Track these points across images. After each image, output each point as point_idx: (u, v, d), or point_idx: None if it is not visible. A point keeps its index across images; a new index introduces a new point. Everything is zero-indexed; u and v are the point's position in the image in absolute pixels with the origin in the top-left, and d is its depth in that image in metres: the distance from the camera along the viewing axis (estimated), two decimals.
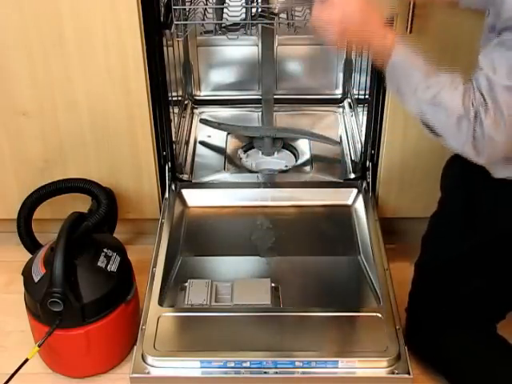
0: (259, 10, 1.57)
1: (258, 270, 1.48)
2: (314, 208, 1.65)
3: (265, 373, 1.22)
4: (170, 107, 1.63)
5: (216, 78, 2.04)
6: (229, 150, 1.84)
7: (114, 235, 1.57)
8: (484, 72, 1.03)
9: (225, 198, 1.66)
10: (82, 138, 1.54)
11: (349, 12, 1.11)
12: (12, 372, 1.25)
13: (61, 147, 1.55)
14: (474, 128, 1.03)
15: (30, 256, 1.42)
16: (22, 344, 1.41)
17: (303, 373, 1.22)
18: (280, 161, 1.81)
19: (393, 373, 1.21)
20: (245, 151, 1.84)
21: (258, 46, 1.94)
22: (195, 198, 1.66)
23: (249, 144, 1.86)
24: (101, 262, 1.33)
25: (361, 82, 1.83)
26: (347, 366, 1.22)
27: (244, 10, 1.58)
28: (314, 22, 1.15)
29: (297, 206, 1.65)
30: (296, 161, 1.81)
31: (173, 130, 1.63)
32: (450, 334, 1.32)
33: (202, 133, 1.91)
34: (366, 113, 1.63)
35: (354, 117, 1.90)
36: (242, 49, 1.98)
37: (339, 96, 2.03)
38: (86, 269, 1.31)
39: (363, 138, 1.65)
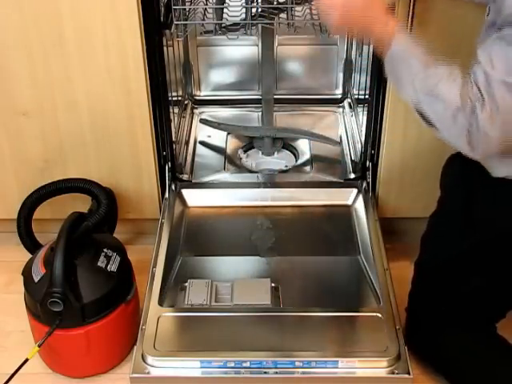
0: (259, 10, 1.57)
1: (257, 270, 1.48)
2: (314, 208, 1.65)
3: (265, 373, 1.22)
4: (170, 107, 1.63)
5: (216, 78, 2.04)
6: (229, 150, 1.84)
7: (114, 235, 1.57)
8: (482, 66, 1.03)
9: (225, 198, 1.66)
10: (82, 138, 1.54)
11: None
12: (12, 372, 1.25)
13: (61, 147, 1.55)
14: (469, 122, 1.03)
15: (30, 256, 1.42)
16: (22, 344, 1.41)
17: (303, 373, 1.22)
18: (280, 161, 1.81)
19: (393, 373, 1.21)
20: (245, 151, 1.84)
21: (257, 45, 1.94)
22: (195, 197, 1.66)
23: (249, 144, 1.86)
24: (101, 262, 1.33)
25: (361, 82, 1.83)
26: (347, 366, 1.22)
27: (244, 9, 1.58)
28: (317, 6, 1.15)
29: (297, 206, 1.65)
30: (296, 161, 1.81)
31: (173, 130, 1.63)
32: (450, 333, 1.32)
33: (202, 133, 1.91)
34: (365, 113, 1.63)
35: (354, 117, 1.90)
36: (242, 49, 1.98)
37: (339, 96, 2.03)
38: (86, 269, 1.31)
39: (363, 138, 1.65)
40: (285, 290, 1.40)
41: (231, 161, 1.80)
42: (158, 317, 1.30)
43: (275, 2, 1.60)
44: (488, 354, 1.30)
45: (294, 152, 1.83)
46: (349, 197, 1.65)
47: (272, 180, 1.72)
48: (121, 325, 1.37)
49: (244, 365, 1.22)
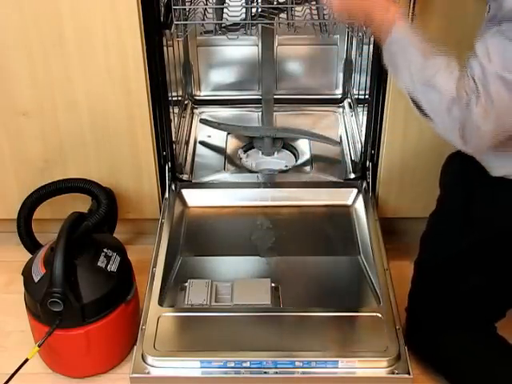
0: (259, 9, 1.57)
1: (257, 269, 1.48)
2: (314, 208, 1.65)
3: (265, 373, 1.22)
4: (170, 107, 1.63)
5: (216, 78, 2.04)
6: (229, 150, 1.84)
7: (114, 235, 1.57)
8: (479, 59, 1.03)
9: (225, 198, 1.66)
10: (82, 138, 1.54)
11: None
12: (12, 372, 1.25)
13: (61, 147, 1.55)
14: (463, 116, 1.03)
15: (30, 256, 1.42)
16: (22, 344, 1.41)
17: (303, 373, 1.22)
18: (280, 161, 1.81)
19: (393, 373, 1.21)
20: (245, 151, 1.84)
21: (258, 46, 1.94)
22: (195, 197, 1.66)
23: (249, 144, 1.86)
24: (101, 262, 1.33)
25: (361, 82, 1.83)
26: (347, 366, 1.22)
27: (244, 9, 1.58)
28: None
29: (297, 206, 1.65)
30: (296, 161, 1.81)
31: (173, 130, 1.63)
32: (450, 333, 1.32)
33: (202, 133, 1.91)
34: (365, 113, 1.63)
35: (354, 117, 1.90)
36: (242, 49, 1.98)
37: (339, 96, 2.03)
38: (86, 269, 1.31)
39: (363, 138, 1.65)
40: (285, 290, 1.40)
41: (231, 161, 1.80)
42: (158, 317, 1.30)
43: (275, 2, 1.60)
44: (487, 354, 1.30)
45: (294, 152, 1.83)
46: (349, 197, 1.65)
47: (272, 180, 1.72)
48: (121, 325, 1.37)
49: (244, 365, 1.22)
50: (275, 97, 1.86)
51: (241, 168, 1.78)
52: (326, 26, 1.57)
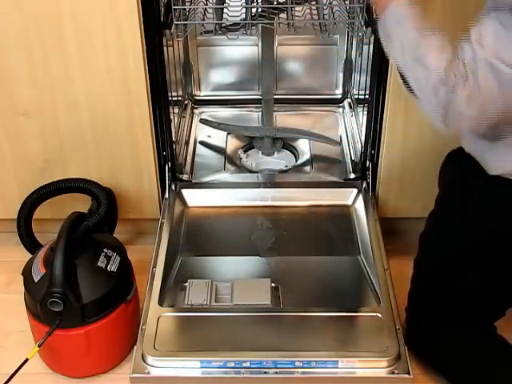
0: (259, 9, 1.57)
1: (257, 270, 1.48)
2: (314, 208, 1.65)
3: (265, 373, 1.22)
4: (170, 107, 1.63)
5: (216, 78, 2.04)
6: (229, 150, 1.84)
7: (114, 235, 1.57)
8: (471, 44, 1.02)
9: (225, 198, 1.66)
10: (82, 138, 1.54)
11: None
12: (12, 372, 1.25)
13: (61, 147, 1.55)
14: (448, 98, 1.03)
15: (30, 256, 1.42)
16: (22, 344, 1.41)
17: (303, 373, 1.22)
18: (280, 161, 1.81)
19: (393, 373, 1.21)
20: (245, 151, 1.84)
21: (257, 46, 1.94)
22: (195, 197, 1.66)
23: (249, 144, 1.86)
24: (101, 262, 1.33)
25: (361, 82, 1.83)
26: (347, 366, 1.22)
27: (244, 9, 1.58)
28: None
29: (297, 206, 1.65)
30: (296, 161, 1.81)
31: (173, 130, 1.63)
32: (449, 333, 1.32)
33: (202, 133, 1.91)
34: (365, 113, 1.63)
35: (354, 117, 1.90)
36: (242, 49, 1.98)
37: (339, 96, 2.03)
38: (86, 269, 1.31)
39: (363, 138, 1.65)
40: (285, 290, 1.40)
41: (231, 161, 1.80)
42: (158, 317, 1.30)
43: (275, 2, 1.60)
44: (487, 354, 1.30)
45: (294, 152, 1.83)
46: (349, 197, 1.65)
47: (272, 180, 1.72)
48: (121, 325, 1.37)
49: (244, 365, 1.22)
50: (275, 97, 1.86)
51: (241, 168, 1.78)
52: (326, 26, 1.57)
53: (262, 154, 1.83)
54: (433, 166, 1.35)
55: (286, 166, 1.79)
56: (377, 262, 1.43)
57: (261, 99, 1.88)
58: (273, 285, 1.39)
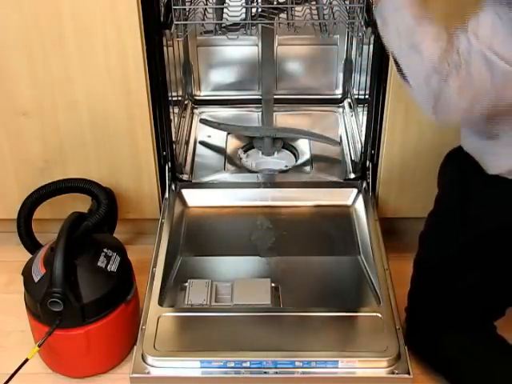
0: (259, 9, 1.57)
1: (257, 270, 1.48)
2: (314, 208, 1.65)
3: (265, 373, 1.22)
4: (170, 107, 1.63)
5: (216, 78, 2.04)
6: (229, 150, 1.84)
7: (114, 235, 1.57)
8: (467, 34, 1.02)
9: (225, 198, 1.66)
10: (82, 138, 1.54)
11: None
12: (12, 372, 1.25)
13: (61, 147, 1.55)
14: (440, 87, 1.02)
15: (30, 256, 1.42)
16: (22, 344, 1.41)
17: (303, 373, 1.22)
18: (280, 161, 1.81)
19: (393, 373, 1.21)
20: (245, 151, 1.84)
21: (257, 45, 1.94)
22: (195, 197, 1.66)
23: (249, 144, 1.86)
24: (101, 262, 1.33)
25: (361, 82, 1.83)
26: (347, 366, 1.22)
27: (244, 9, 1.58)
28: None
29: (297, 206, 1.65)
30: (296, 161, 1.81)
31: (173, 130, 1.63)
32: (449, 333, 1.32)
33: (202, 133, 1.91)
34: (365, 113, 1.63)
35: (354, 117, 1.90)
36: (242, 49, 1.98)
37: (339, 96, 2.03)
38: (86, 269, 1.31)
39: (363, 138, 1.65)
40: (285, 290, 1.40)
41: (231, 161, 1.80)
42: (158, 317, 1.30)
43: (275, 2, 1.60)
44: (486, 354, 1.30)
45: (294, 152, 1.83)
46: (349, 197, 1.65)
47: (272, 180, 1.72)
48: (121, 325, 1.37)
49: (244, 365, 1.22)
50: (275, 97, 1.86)
51: (241, 168, 1.78)
52: (326, 26, 1.57)
53: (262, 154, 1.83)
54: (433, 166, 1.35)
55: (286, 166, 1.79)
56: (377, 262, 1.43)
57: (261, 99, 1.88)
58: (273, 285, 1.39)
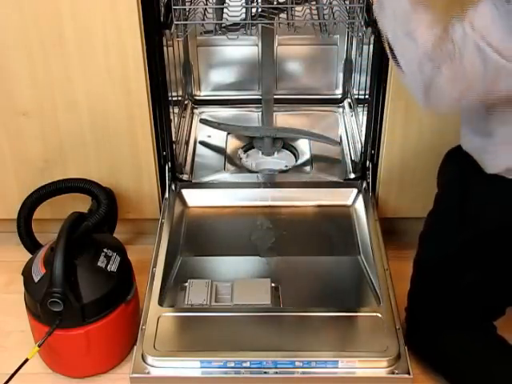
0: (259, 9, 1.57)
1: (257, 269, 1.48)
2: (314, 208, 1.65)
3: (265, 373, 1.22)
4: (170, 107, 1.63)
5: (216, 78, 2.04)
6: (229, 150, 1.84)
7: (114, 235, 1.57)
8: (464, 24, 1.00)
9: (225, 198, 1.66)
10: (82, 138, 1.54)
11: None
12: (12, 372, 1.25)
13: (61, 147, 1.55)
14: (433, 74, 1.01)
15: (30, 256, 1.42)
16: (22, 344, 1.41)
17: (303, 373, 1.22)
18: (280, 161, 1.81)
19: (393, 373, 1.21)
20: (245, 151, 1.84)
21: (257, 45, 1.94)
22: (195, 197, 1.66)
23: (249, 144, 1.85)
24: (101, 262, 1.33)
25: (361, 82, 1.83)
26: (347, 366, 1.22)
27: (244, 9, 1.58)
28: None
29: (297, 206, 1.65)
30: (296, 161, 1.81)
31: (173, 130, 1.63)
32: (448, 332, 1.32)
33: (202, 133, 1.91)
34: (365, 113, 1.63)
35: (354, 117, 1.90)
36: (242, 49, 1.98)
37: (339, 96, 2.03)
38: (86, 269, 1.31)
39: (363, 138, 1.65)
40: (285, 290, 1.40)
41: (231, 161, 1.80)
42: (158, 317, 1.30)
43: (275, 2, 1.60)
44: (486, 353, 1.30)
45: (294, 152, 1.83)
46: (349, 197, 1.65)
47: (272, 180, 1.72)
48: (121, 325, 1.37)
49: (244, 365, 1.22)
50: (275, 97, 1.86)
51: (241, 168, 1.78)
52: (326, 26, 1.57)
53: (262, 153, 1.83)
54: (433, 166, 1.35)
55: (286, 166, 1.79)
56: (377, 262, 1.43)
57: (261, 99, 1.88)
58: (273, 285, 1.39)
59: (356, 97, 1.92)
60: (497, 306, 1.34)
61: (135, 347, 1.26)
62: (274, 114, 1.89)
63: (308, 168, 1.77)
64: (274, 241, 1.55)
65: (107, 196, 1.54)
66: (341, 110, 2.00)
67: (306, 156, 1.81)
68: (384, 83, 1.47)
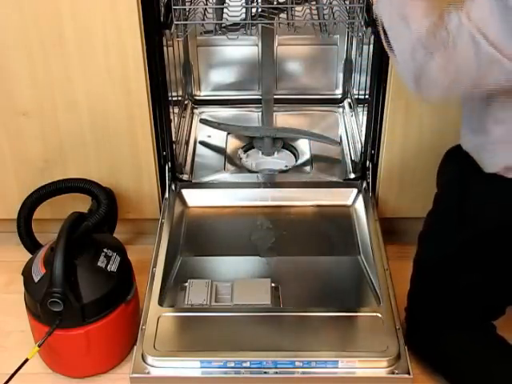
0: (259, 9, 1.57)
1: (258, 269, 1.48)
2: (314, 208, 1.65)
3: (265, 373, 1.22)
4: (170, 107, 1.63)
5: (216, 78, 2.04)
6: (229, 150, 1.84)
7: (114, 235, 1.57)
8: (460, 13, 0.99)
9: (225, 198, 1.66)
10: (82, 138, 1.54)
11: None
12: (12, 372, 1.25)
13: (61, 147, 1.55)
14: (425, 61, 1.01)
15: (30, 256, 1.42)
16: (22, 344, 1.41)
17: (303, 373, 1.22)
18: (280, 161, 1.81)
19: (393, 373, 1.21)
20: (245, 151, 1.84)
21: (257, 45, 1.94)
22: (195, 197, 1.66)
23: (249, 144, 1.86)
24: (101, 262, 1.33)
25: (361, 82, 1.83)
26: (347, 366, 1.22)
27: (244, 9, 1.58)
28: None
29: (297, 206, 1.65)
30: (296, 161, 1.81)
31: (173, 130, 1.64)
32: (448, 332, 1.32)
33: (202, 133, 1.91)
34: (365, 113, 1.63)
35: (354, 117, 1.90)
36: (242, 49, 1.98)
37: (339, 96, 2.03)
38: (86, 269, 1.31)
39: (363, 138, 1.65)
40: (285, 290, 1.40)
41: (231, 161, 1.80)
42: (158, 317, 1.30)
43: (275, 2, 1.60)
44: (486, 353, 1.30)
45: (294, 152, 1.83)
46: (349, 197, 1.65)
47: (272, 180, 1.72)
48: (121, 325, 1.37)
49: (244, 365, 1.22)
50: (275, 97, 1.86)
51: (241, 168, 1.78)
52: (326, 26, 1.57)
53: (262, 154, 1.83)
54: (433, 165, 1.35)
55: (286, 166, 1.79)
56: (377, 262, 1.43)
57: (261, 99, 1.88)
58: (273, 285, 1.39)
59: (356, 97, 1.92)
60: (496, 305, 1.34)
61: (135, 347, 1.26)
62: (274, 114, 1.89)
63: (308, 168, 1.77)
64: (273, 241, 1.55)
65: (107, 196, 1.54)
66: (341, 110, 2.00)
67: (305, 156, 1.81)
68: (384, 83, 1.47)
